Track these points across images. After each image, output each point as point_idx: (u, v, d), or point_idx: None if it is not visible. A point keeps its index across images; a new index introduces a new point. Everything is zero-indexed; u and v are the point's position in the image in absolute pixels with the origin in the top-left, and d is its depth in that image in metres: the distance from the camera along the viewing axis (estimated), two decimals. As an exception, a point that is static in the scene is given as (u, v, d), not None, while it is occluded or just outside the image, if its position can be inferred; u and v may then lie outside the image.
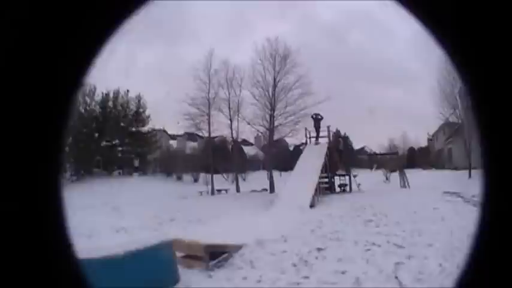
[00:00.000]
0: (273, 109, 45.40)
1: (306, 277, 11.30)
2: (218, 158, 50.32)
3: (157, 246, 11.83)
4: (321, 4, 65.91)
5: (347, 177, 38.00)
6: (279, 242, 15.63)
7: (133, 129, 56.72)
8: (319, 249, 14.22)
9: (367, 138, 73.15)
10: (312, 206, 26.15)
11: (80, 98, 51.28)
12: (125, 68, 79.35)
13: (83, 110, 53.34)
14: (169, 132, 63.34)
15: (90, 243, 13.55)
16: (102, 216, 23.94)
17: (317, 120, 38.68)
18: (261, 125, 46.63)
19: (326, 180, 34.65)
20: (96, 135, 53.91)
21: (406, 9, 1.35)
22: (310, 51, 46.81)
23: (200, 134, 52.59)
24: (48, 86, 1.28)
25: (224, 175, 52.87)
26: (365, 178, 40.24)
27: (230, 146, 54.63)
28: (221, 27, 78.77)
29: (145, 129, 57.52)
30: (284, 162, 46.75)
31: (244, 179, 51.87)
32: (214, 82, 47.37)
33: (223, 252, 14.02)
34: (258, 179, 51.10)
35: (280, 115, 45.41)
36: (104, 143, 54.58)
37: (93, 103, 55.00)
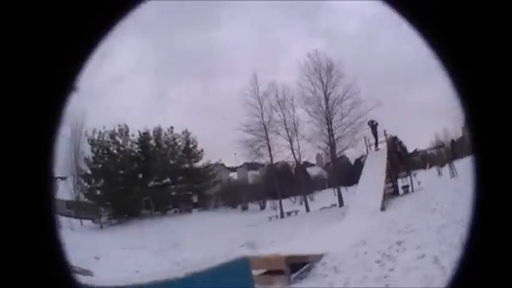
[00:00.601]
0: (329, 123, 45.25)
1: (392, 269, 11.43)
2: (283, 183, 49.63)
3: (229, 264, 10.65)
4: (343, 16, 65.18)
5: (408, 179, 37.66)
6: (359, 245, 15.64)
7: (187, 165, 54.22)
8: (398, 243, 14.43)
9: (416, 138, 71.91)
10: (382, 209, 25.94)
11: (110, 138, 51.04)
12: (163, 107, 79.14)
13: (115, 151, 51.62)
14: (228, 165, 61.26)
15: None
16: (152, 254, 23.70)
17: (373, 126, 38.28)
18: (321, 141, 46.50)
19: (390, 185, 33.81)
20: (140, 176, 51.27)
21: (394, 10, 1.36)
22: (346, 63, 46.64)
23: (260, 162, 51.68)
24: (40, 88, 1.27)
25: (291, 198, 52.14)
26: (422, 177, 39.99)
27: (293, 170, 53.92)
28: (253, 57, 78.84)
29: (199, 164, 55.00)
30: (348, 177, 45.84)
31: (311, 199, 50.84)
32: (266, 106, 47.28)
33: (305, 264, 13.61)
34: (324, 197, 50.63)
35: (337, 127, 45.47)
36: (152, 183, 51.77)
37: (129, 143, 52.61)
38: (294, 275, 12.67)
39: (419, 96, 73.53)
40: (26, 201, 1.25)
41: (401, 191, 36.53)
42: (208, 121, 77.08)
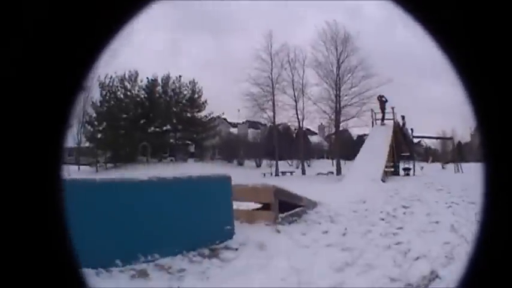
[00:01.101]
0: (338, 89, 44.26)
1: (400, 228, 10.10)
2: (282, 144, 48.56)
3: (208, 179, 9.33)
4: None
5: (410, 163, 36.71)
6: (358, 203, 14.33)
7: (188, 114, 52.60)
8: (404, 207, 13.59)
9: (421, 128, 70.83)
10: (383, 180, 24.05)
11: (119, 83, 49.74)
12: (175, 59, 78.46)
13: (121, 96, 50.40)
14: (230, 120, 60.08)
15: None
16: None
17: (382, 102, 36.32)
18: (328, 106, 45.63)
19: (391, 164, 31.93)
20: (142, 121, 50.20)
21: (404, 10, 1.20)
22: (363, 41, 46.13)
23: (262, 121, 50.58)
24: (50, 86, 1.16)
25: (288, 161, 50.67)
26: (424, 167, 39.83)
27: (294, 134, 52.74)
28: (269, 20, 78.07)
29: (201, 114, 53.22)
30: (348, 152, 43.91)
31: (309, 165, 49.48)
32: (276, 62, 46.39)
33: (296, 206, 11.54)
34: (322, 165, 49.34)
35: (345, 96, 44.56)
36: (152, 129, 50.67)
37: (136, 88, 51.30)
38: (282, 215, 10.52)
39: (430, 90, 72.77)
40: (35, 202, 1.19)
41: (402, 172, 35.06)
42: (217, 76, 76.44)
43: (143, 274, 6.69)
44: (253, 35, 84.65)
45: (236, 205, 9.64)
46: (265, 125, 52.94)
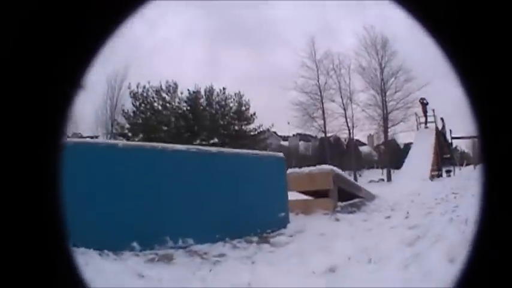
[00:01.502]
0: (384, 94, 44.28)
1: (456, 206, 10.37)
2: (334, 155, 47.65)
3: (254, 157, 8.21)
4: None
5: (449, 166, 36.27)
6: (413, 195, 14.60)
7: (236, 127, 49.06)
8: (454, 193, 13.80)
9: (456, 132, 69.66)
10: (431, 180, 24.43)
11: (155, 94, 47.07)
12: (215, 71, 78.11)
13: (159, 107, 46.90)
14: (280, 134, 58.89)
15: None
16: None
17: (423, 105, 35.97)
18: (375, 111, 45.65)
19: (436, 167, 31.42)
20: (186, 134, 46.06)
21: (403, 9, 1.20)
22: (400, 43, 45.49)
23: (313, 131, 49.67)
24: (46, 86, 1.16)
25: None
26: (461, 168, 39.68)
27: (345, 145, 52.88)
28: (307, 31, 77.79)
29: (250, 127, 49.57)
30: (397, 160, 43.30)
31: (360, 175, 49.34)
32: (322, 69, 46.40)
33: (354, 196, 11.45)
34: (372, 175, 49.40)
35: (391, 101, 44.62)
36: (197, 142, 44.72)
37: (176, 100, 47.78)
38: (340, 204, 10.27)
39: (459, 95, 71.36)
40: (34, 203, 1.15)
41: (444, 174, 34.23)
42: (262, 90, 75.51)
43: (165, 258, 5.81)
44: (292, 45, 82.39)
45: (290, 196, 8.88)
46: (315, 137, 52.71)
